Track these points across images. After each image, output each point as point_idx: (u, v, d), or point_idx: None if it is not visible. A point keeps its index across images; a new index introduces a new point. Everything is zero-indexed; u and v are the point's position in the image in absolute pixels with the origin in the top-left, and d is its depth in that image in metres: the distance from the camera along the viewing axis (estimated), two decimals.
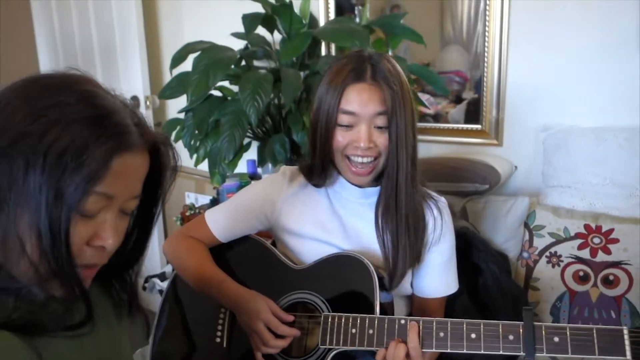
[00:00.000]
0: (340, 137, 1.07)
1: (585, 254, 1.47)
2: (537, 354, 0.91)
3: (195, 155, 1.89)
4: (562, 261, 1.49)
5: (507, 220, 1.55)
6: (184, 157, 2.05)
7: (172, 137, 1.98)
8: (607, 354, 0.87)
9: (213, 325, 1.17)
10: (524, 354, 0.92)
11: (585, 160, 1.61)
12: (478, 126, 1.91)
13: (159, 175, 0.71)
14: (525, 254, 1.56)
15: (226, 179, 1.88)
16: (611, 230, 1.46)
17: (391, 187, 1.10)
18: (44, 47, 2.86)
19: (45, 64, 2.89)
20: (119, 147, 0.60)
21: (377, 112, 1.05)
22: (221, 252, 1.22)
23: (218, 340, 1.16)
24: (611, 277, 1.43)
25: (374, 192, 1.17)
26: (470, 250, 1.44)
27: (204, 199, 2.38)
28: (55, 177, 0.56)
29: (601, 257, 1.45)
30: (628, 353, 0.85)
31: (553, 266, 1.50)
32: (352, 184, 1.16)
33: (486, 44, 1.83)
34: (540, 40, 1.76)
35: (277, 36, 1.98)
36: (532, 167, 1.83)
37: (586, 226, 1.49)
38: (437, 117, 2.02)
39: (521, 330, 0.93)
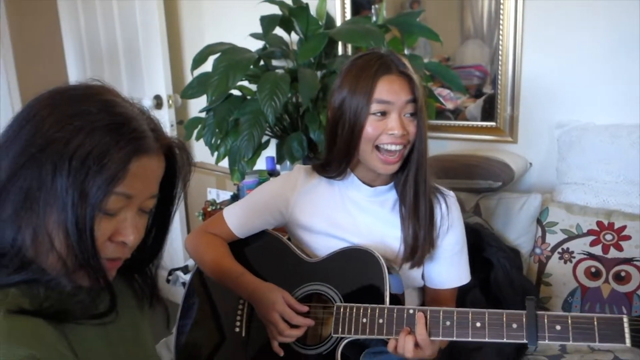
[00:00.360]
0: (371, 128, 1.11)
1: (597, 250, 1.49)
2: (540, 342, 0.94)
3: (216, 153, 1.95)
4: (574, 257, 1.52)
5: (520, 217, 1.58)
6: (205, 154, 2.12)
7: (194, 136, 2.05)
8: (607, 341, 0.89)
9: (233, 316, 1.23)
10: (527, 341, 0.95)
11: (598, 157, 1.62)
12: (493, 123, 1.93)
13: (174, 176, 0.76)
14: (537, 250, 1.59)
15: (245, 176, 1.94)
16: (623, 227, 1.48)
17: (417, 175, 1.16)
18: (71, 49, 2.96)
19: (72, 65, 2.98)
20: (137, 151, 0.66)
21: (407, 100, 1.11)
22: (239, 247, 1.28)
23: (237, 329, 1.22)
24: (623, 274, 1.45)
25: (384, 190, 1.22)
26: (482, 245, 1.47)
27: (225, 195, 2.44)
28: (79, 179, 0.62)
29: (613, 253, 1.47)
30: (627, 340, 0.87)
31: (565, 262, 1.53)
32: (365, 182, 1.21)
33: (500, 41, 1.85)
34: (554, 38, 1.77)
35: (295, 37, 2.03)
36: (547, 164, 1.85)
37: (599, 223, 1.51)
38: (456, 113, 2.04)
39: (524, 319, 0.96)
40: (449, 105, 2.05)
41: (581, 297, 1.49)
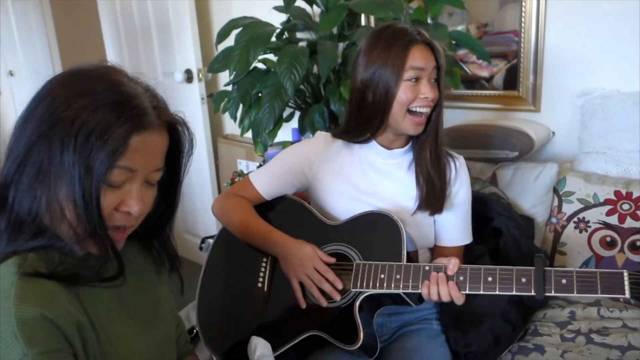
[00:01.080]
0: (406, 94, 1.20)
1: (613, 219, 1.48)
2: (546, 294, 0.99)
3: (240, 126, 2.02)
4: (589, 227, 1.51)
5: (536, 186, 1.58)
6: (235, 126, 2.19)
7: (221, 109, 2.12)
8: (608, 293, 0.94)
9: (256, 272, 1.30)
10: (535, 293, 1.00)
11: (621, 126, 1.60)
12: (515, 92, 1.91)
13: (179, 151, 0.82)
14: (553, 219, 1.59)
15: (270, 147, 2.00)
16: None
17: (437, 135, 1.26)
18: (107, 28, 3.07)
19: (109, 43, 3.10)
20: (137, 127, 0.71)
21: (435, 66, 1.21)
22: (264, 210, 1.35)
23: (260, 285, 1.29)
24: (638, 243, 1.44)
25: (400, 153, 1.30)
26: (492, 215, 1.49)
27: (254, 166, 2.52)
28: (84, 154, 0.68)
29: (629, 223, 1.46)
30: (627, 292, 0.92)
31: (580, 232, 1.53)
32: (382, 146, 1.29)
33: (523, 8, 1.81)
34: (578, 4, 1.73)
35: (317, 9, 2.05)
36: (570, 133, 1.83)
37: (616, 192, 1.50)
38: (490, 80, 2.02)
39: (533, 274, 1.01)
40: (484, 73, 2.03)
41: (595, 266, 1.49)
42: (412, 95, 1.20)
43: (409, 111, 1.21)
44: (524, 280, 1.02)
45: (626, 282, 0.93)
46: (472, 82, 2.04)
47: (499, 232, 1.49)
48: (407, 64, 1.19)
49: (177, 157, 0.83)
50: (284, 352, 1.20)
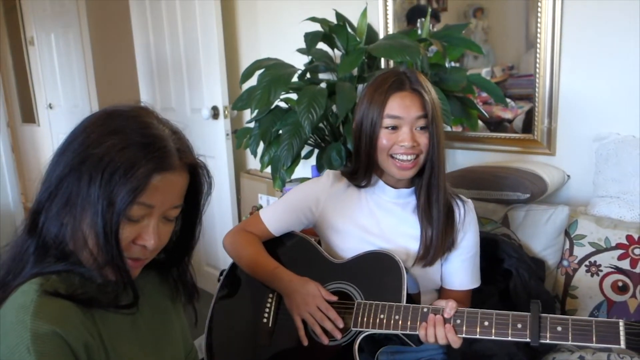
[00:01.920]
0: (385, 140, 1.24)
1: (625, 264, 1.48)
2: (541, 341, 1.00)
3: (261, 161, 2.09)
4: (601, 270, 1.51)
5: (547, 229, 1.59)
6: (258, 162, 2.26)
7: (243, 145, 2.21)
8: (604, 343, 0.94)
9: (262, 307, 1.34)
10: (530, 340, 1.01)
11: (635, 170, 1.60)
12: (530, 135, 1.94)
13: (198, 190, 0.88)
14: (565, 262, 1.59)
15: (287, 183, 2.06)
16: None
17: (429, 183, 1.27)
18: (142, 68, 3.24)
19: (143, 81, 3.26)
20: (159, 168, 0.77)
21: (418, 115, 1.22)
22: (272, 247, 1.40)
23: (265, 320, 1.33)
24: None
25: (407, 193, 1.32)
26: (502, 256, 1.50)
27: (274, 200, 2.58)
28: (108, 189, 0.74)
29: None
30: (622, 342, 0.92)
31: (592, 275, 1.52)
32: (389, 185, 1.31)
33: (537, 52, 1.86)
34: (593, 49, 1.76)
35: (338, 52, 2.14)
36: (586, 177, 1.83)
37: (628, 237, 1.49)
38: (512, 122, 2.03)
39: (528, 320, 1.03)
40: (508, 115, 2.06)
41: (607, 311, 1.48)
42: (390, 142, 1.23)
43: (392, 156, 1.24)
44: (519, 325, 1.03)
45: (622, 333, 0.92)
46: (496, 124, 2.07)
47: (510, 274, 1.49)
48: (384, 112, 1.22)
49: (197, 196, 0.89)
50: None
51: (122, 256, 0.77)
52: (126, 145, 0.76)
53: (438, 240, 1.27)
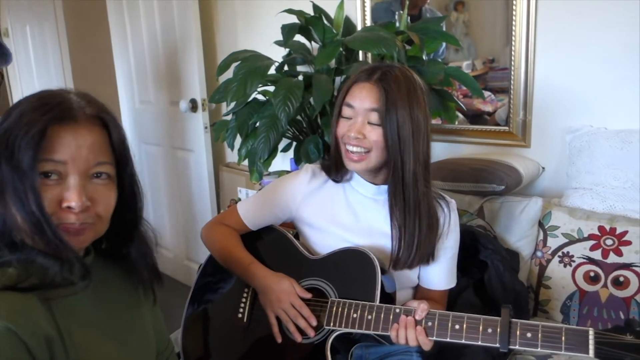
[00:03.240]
0: (340, 128, 1.22)
1: (596, 255, 1.50)
2: (511, 346, 0.99)
3: (239, 154, 2.08)
4: (574, 261, 1.53)
5: (521, 220, 1.61)
6: (235, 155, 2.25)
7: (220, 138, 2.19)
8: (572, 351, 0.93)
9: (237, 303, 1.33)
10: (499, 345, 1.00)
11: (608, 162, 1.62)
12: (506, 127, 1.95)
13: (122, 145, 0.84)
14: (538, 253, 1.61)
15: (265, 176, 2.05)
16: (625, 233, 1.48)
17: (395, 184, 1.21)
18: (118, 56, 3.19)
19: (120, 71, 3.22)
20: (56, 119, 0.75)
21: (370, 108, 1.17)
22: (249, 240, 1.38)
23: (240, 315, 1.32)
24: (621, 279, 1.45)
25: (385, 189, 1.27)
26: (478, 248, 1.51)
27: (253, 194, 2.57)
28: (15, 160, 0.73)
29: (612, 258, 1.47)
30: (591, 351, 0.91)
31: (565, 266, 1.54)
32: (367, 180, 1.28)
33: (513, 45, 1.87)
34: (568, 42, 1.78)
35: (316, 44, 2.13)
36: (560, 169, 1.85)
37: (600, 228, 1.51)
38: (492, 115, 2.04)
39: (499, 325, 1.01)
40: (488, 108, 2.07)
41: (579, 301, 1.50)
42: (342, 131, 1.21)
43: (345, 145, 1.22)
44: (489, 330, 1.02)
45: (591, 342, 0.91)
46: (476, 117, 2.08)
47: (485, 265, 1.51)
48: (345, 99, 1.21)
49: (123, 152, 0.85)
50: None
51: (48, 220, 0.74)
52: (24, 113, 0.75)
53: (412, 249, 1.22)
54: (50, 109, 0.75)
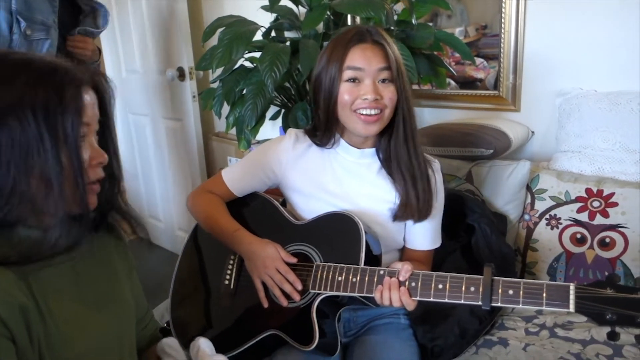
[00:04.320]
0: (347, 95, 1.19)
1: (583, 217, 1.50)
2: (493, 304, 1.00)
3: (226, 123, 2.05)
4: (560, 224, 1.54)
5: (509, 184, 1.61)
6: (224, 124, 2.22)
7: (208, 106, 2.16)
8: (553, 306, 0.94)
9: (224, 269, 1.34)
10: (481, 303, 1.01)
11: (597, 125, 1.62)
12: (495, 92, 1.94)
13: (107, 102, 0.87)
14: (526, 216, 1.61)
15: (253, 144, 2.03)
16: (612, 194, 1.48)
17: (405, 137, 1.23)
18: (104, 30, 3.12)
19: (105, 40, 3.15)
20: (80, 85, 0.77)
21: (381, 67, 1.17)
22: (234, 207, 1.38)
23: (227, 282, 1.33)
24: (607, 240, 1.46)
25: (371, 153, 1.29)
26: (465, 211, 1.51)
27: None
28: (51, 124, 0.73)
29: (599, 220, 1.48)
30: (572, 306, 0.92)
31: (552, 228, 1.55)
32: (352, 145, 1.28)
33: (503, 9, 1.84)
34: (557, 6, 1.75)
35: (303, 9, 2.08)
36: (549, 133, 1.85)
37: (587, 190, 1.52)
38: (483, 81, 2.02)
39: (481, 283, 1.02)
40: (480, 74, 2.05)
41: (566, 262, 1.51)
42: (352, 97, 1.18)
43: (355, 112, 1.20)
44: (472, 289, 1.02)
45: (571, 296, 0.92)
46: (468, 83, 2.06)
47: (472, 229, 1.51)
48: (344, 64, 1.18)
49: (107, 109, 0.87)
50: (245, 351, 1.23)
51: (85, 184, 0.78)
52: (37, 77, 0.74)
53: (416, 201, 1.23)
54: (68, 79, 0.77)
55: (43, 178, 0.74)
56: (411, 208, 1.24)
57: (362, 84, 1.18)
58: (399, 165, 1.25)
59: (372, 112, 1.18)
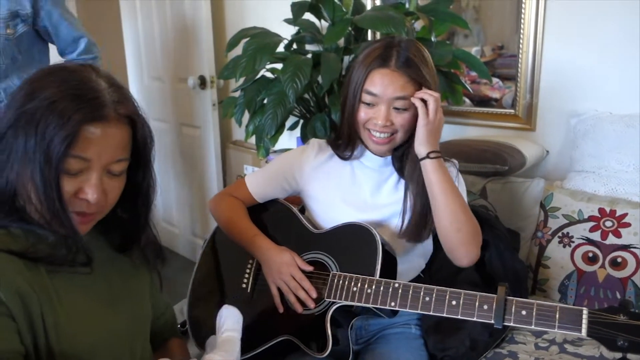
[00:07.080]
0: (363, 114, 1.24)
1: (596, 236, 1.52)
2: (505, 323, 1.01)
3: (246, 131, 2.10)
4: (573, 242, 1.55)
5: (523, 201, 1.63)
6: (242, 132, 2.27)
7: (228, 114, 2.21)
8: (565, 330, 0.95)
9: (241, 273, 1.37)
10: (494, 322, 1.02)
11: (611, 146, 1.64)
12: (512, 111, 1.97)
13: (144, 144, 0.86)
14: (539, 234, 1.63)
15: (272, 153, 2.07)
16: (624, 215, 1.50)
17: (410, 153, 1.25)
18: (128, 32, 3.21)
19: (129, 47, 3.23)
20: (90, 118, 0.76)
21: (397, 96, 1.19)
22: (255, 213, 1.41)
23: (244, 286, 1.36)
24: (619, 260, 1.48)
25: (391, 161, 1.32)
26: (481, 227, 1.53)
27: None
28: (44, 144, 0.74)
29: (611, 240, 1.50)
30: (584, 330, 0.92)
31: (564, 246, 1.57)
32: (374, 154, 1.31)
33: (521, 30, 1.87)
34: (575, 27, 1.79)
35: (325, 23, 2.13)
36: (564, 152, 1.87)
37: (600, 210, 1.54)
38: (499, 101, 2.05)
39: (494, 302, 1.03)
40: (496, 94, 2.08)
41: (577, 281, 1.53)
42: (366, 117, 1.23)
43: (368, 129, 1.24)
44: (485, 307, 1.03)
45: (584, 321, 0.92)
46: (483, 102, 2.09)
47: (486, 244, 1.53)
48: (364, 86, 1.21)
49: (144, 150, 0.87)
50: (258, 354, 1.26)
51: (64, 209, 0.76)
52: (58, 99, 0.75)
53: (424, 218, 1.26)
54: (84, 108, 0.76)
55: (32, 187, 0.76)
56: (409, 228, 1.27)
57: (376, 108, 1.22)
58: (408, 179, 1.27)
59: (382, 135, 1.23)
